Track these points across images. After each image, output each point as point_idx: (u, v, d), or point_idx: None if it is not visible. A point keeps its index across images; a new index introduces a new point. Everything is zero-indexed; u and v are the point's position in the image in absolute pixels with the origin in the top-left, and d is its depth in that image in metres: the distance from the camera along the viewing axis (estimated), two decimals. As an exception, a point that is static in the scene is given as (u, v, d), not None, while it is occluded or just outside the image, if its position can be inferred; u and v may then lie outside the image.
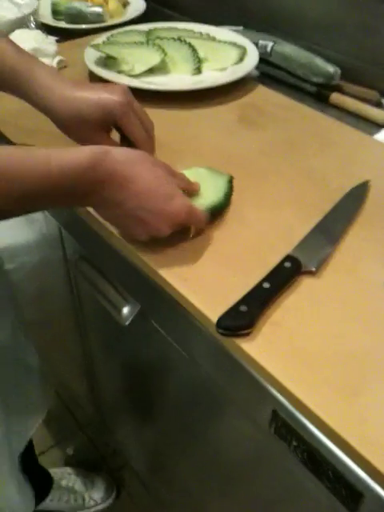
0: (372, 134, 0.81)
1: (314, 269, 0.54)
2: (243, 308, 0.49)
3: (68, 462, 1.36)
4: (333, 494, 0.46)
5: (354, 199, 0.64)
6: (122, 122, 0.63)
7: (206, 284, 0.54)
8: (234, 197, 0.64)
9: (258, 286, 0.51)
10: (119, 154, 0.51)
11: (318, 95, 0.90)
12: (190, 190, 0.59)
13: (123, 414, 1.10)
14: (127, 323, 0.65)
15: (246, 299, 0.50)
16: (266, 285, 0.51)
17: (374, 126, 0.84)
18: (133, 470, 1.29)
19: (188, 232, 0.58)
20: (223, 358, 0.52)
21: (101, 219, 0.58)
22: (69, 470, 1.30)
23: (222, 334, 0.48)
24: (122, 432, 1.19)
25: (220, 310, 0.50)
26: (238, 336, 0.48)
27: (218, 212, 0.61)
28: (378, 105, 0.87)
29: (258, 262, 0.55)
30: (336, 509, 0.47)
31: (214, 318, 0.49)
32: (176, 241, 0.58)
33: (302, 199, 0.65)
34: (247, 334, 0.48)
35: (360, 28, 0.89)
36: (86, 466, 1.32)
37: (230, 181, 0.63)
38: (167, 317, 0.61)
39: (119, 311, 0.66)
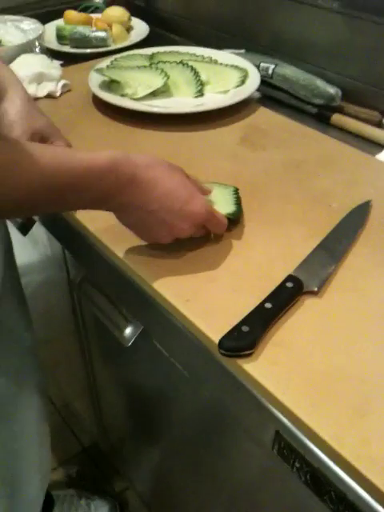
0: (374, 153, 0.81)
1: (316, 289, 0.54)
2: (245, 328, 0.49)
3: (71, 484, 1.35)
4: (337, 517, 0.45)
5: (356, 218, 0.65)
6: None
7: (209, 304, 0.54)
8: (241, 218, 0.65)
9: (260, 307, 0.51)
10: (138, 158, 0.53)
11: (320, 116, 0.91)
12: (204, 193, 0.60)
13: (127, 435, 1.09)
14: (130, 344, 0.65)
15: (248, 320, 0.50)
16: (268, 305, 0.51)
17: (376, 146, 0.84)
18: (136, 492, 1.28)
19: (202, 240, 0.60)
20: (226, 378, 0.51)
21: (105, 240, 0.58)
22: (72, 491, 1.28)
23: (224, 354, 0.48)
24: (125, 453, 1.18)
25: (222, 330, 0.50)
26: (240, 357, 0.48)
27: (234, 219, 0.63)
28: (379, 125, 0.88)
29: (261, 282, 0.56)
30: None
31: (216, 339, 0.49)
32: (178, 260, 0.58)
33: (305, 219, 0.66)
34: (249, 355, 0.48)
35: (362, 50, 0.90)
36: (89, 488, 1.31)
37: (237, 191, 0.66)
38: (169, 337, 0.61)
39: (122, 332, 0.66)
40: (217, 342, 0.49)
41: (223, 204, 0.63)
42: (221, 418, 0.63)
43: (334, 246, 0.60)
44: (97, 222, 0.64)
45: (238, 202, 0.64)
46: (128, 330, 0.66)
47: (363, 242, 0.62)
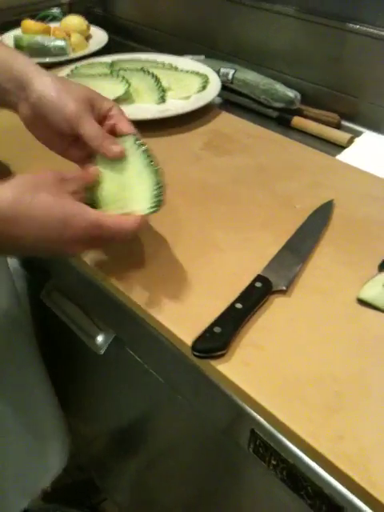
0: (334, 154, 0.83)
1: (284, 287, 0.55)
2: (217, 329, 0.49)
3: (47, 499, 1.32)
4: (314, 511, 0.46)
5: (320, 218, 0.66)
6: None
7: (180, 309, 0.54)
8: (208, 223, 0.65)
9: (231, 307, 0.52)
10: None
11: (280, 120, 0.93)
12: (90, 183, 0.55)
13: (103, 445, 1.08)
14: (102, 352, 0.65)
15: (220, 321, 0.50)
16: (239, 305, 0.52)
17: (336, 147, 0.86)
18: (114, 503, 1.27)
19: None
20: (200, 380, 0.52)
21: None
22: (48, 506, 1.26)
23: (197, 356, 0.49)
24: (102, 464, 1.17)
25: (195, 333, 0.50)
26: (214, 358, 0.49)
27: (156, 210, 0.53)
28: (338, 127, 0.91)
29: (232, 284, 0.56)
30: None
31: (189, 342, 0.50)
32: (147, 266, 0.58)
33: (271, 222, 0.67)
34: (222, 356, 0.49)
35: (320, 55, 0.93)
36: (66, 502, 1.29)
37: (151, 163, 0.55)
38: (142, 343, 0.61)
39: (94, 340, 0.65)
40: (190, 344, 0.49)
41: (138, 190, 0.54)
42: (198, 423, 0.63)
43: (300, 246, 0.61)
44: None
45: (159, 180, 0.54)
46: (100, 338, 0.65)
47: (327, 240, 0.64)
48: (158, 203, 0.53)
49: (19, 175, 0.49)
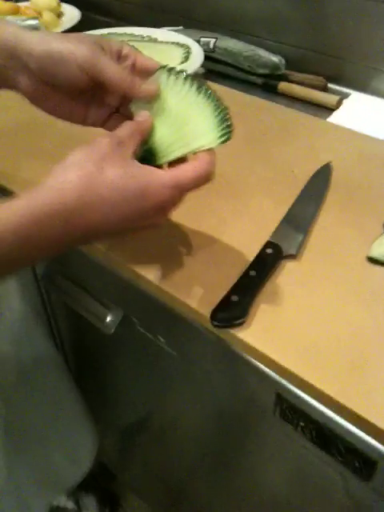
0: (324, 117, 0.83)
1: (294, 252, 0.55)
2: (234, 298, 0.49)
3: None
4: (346, 468, 0.47)
5: (320, 181, 0.66)
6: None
7: (191, 280, 0.53)
8: (208, 195, 0.64)
9: (245, 275, 0.51)
10: (56, 205, 0.39)
11: (266, 86, 0.92)
12: (147, 134, 0.47)
13: (114, 427, 1.08)
14: (112, 331, 0.64)
15: (236, 289, 0.50)
16: (252, 273, 0.51)
17: (325, 109, 0.86)
18: (126, 484, 1.28)
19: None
20: (220, 351, 0.52)
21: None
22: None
23: (217, 326, 0.48)
24: (115, 444, 1.17)
25: (211, 303, 0.49)
26: (233, 326, 0.48)
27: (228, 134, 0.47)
28: (325, 89, 0.90)
29: (240, 252, 0.56)
30: (349, 481, 0.47)
31: (206, 313, 0.49)
32: (149, 239, 0.57)
33: (271, 189, 0.66)
34: (241, 324, 0.48)
35: (302, 18, 0.92)
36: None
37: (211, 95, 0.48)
38: (154, 320, 0.60)
39: (102, 320, 0.65)
40: (207, 315, 0.49)
41: (197, 122, 0.47)
42: (218, 396, 0.63)
43: (304, 210, 0.61)
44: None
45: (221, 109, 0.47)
46: (109, 318, 0.64)
47: (330, 203, 0.64)
48: (229, 128, 0.46)
49: (74, 152, 0.42)
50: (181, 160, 0.47)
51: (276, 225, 0.59)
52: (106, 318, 0.64)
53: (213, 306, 0.49)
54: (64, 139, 0.63)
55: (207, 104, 0.47)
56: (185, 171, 0.44)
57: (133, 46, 0.52)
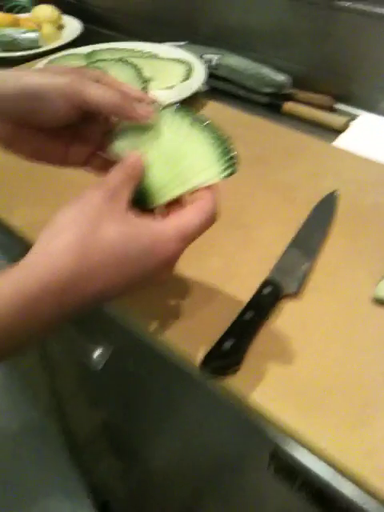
0: (330, 140, 0.79)
1: (294, 291, 0.51)
2: (228, 344, 0.45)
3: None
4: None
5: (325, 211, 0.62)
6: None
7: (186, 321, 0.50)
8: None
9: (241, 318, 0.47)
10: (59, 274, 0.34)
11: (271, 106, 0.88)
12: (141, 176, 0.41)
13: (103, 457, 1.04)
14: (100, 367, 0.60)
15: (230, 333, 0.46)
16: (249, 315, 0.47)
17: (331, 132, 0.82)
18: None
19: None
20: (211, 399, 0.48)
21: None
22: None
23: (208, 374, 0.44)
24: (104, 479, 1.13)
25: (203, 348, 0.46)
26: (227, 374, 0.44)
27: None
28: (331, 110, 0.86)
29: (238, 289, 0.52)
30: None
31: (198, 358, 0.45)
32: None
33: (273, 217, 0.62)
34: (235, 371, 0.44)
35: (308, 35, 0.88)
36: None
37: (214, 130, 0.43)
38: (145, 358, 0.56)
39: (90, 356, 0.61)
40: (199, 361, 0.45)
41: (197, 155, 0.42)
42: (209, 448, 0.59)
43: (307, 243, 0.57)
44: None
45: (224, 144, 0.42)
46: (97, 353, 0.60)
47: (335, 234, 0.60)
48: (232, 160, 0.41)
49: (63, 210, 0.36)
50: (178, 199, 0.42)
51: (277, 257, 0.55)
52: (93, 354, 0.60)
53: (205, 351, 0.45)
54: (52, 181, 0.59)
55: (205, 136, 0.42)
56: (189, 219, 0.39)
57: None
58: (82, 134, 0.45)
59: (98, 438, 0.93)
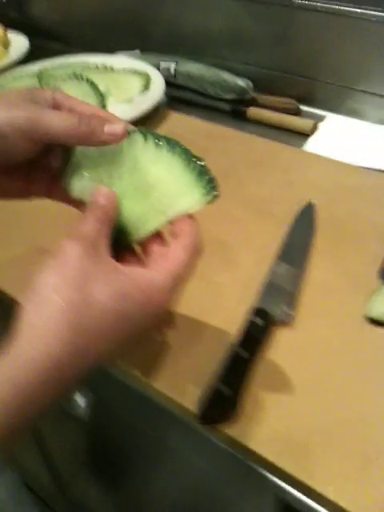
0: (299, 145, 0.77)
1: (286, 319, 0.48)
2: (222, 388, 0.42)
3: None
4: None
5: (304, 225, 0.59)
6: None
7: (173, 362, 0.46)
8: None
9: (232, 355, 0.44)
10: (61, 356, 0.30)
11: (235, 112, 0.85)
12: (116, 213, 0.38)
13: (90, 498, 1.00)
14: (87, 418, 0.56)
15: (223, 377, 0.43)
16: (240, 351, 0.44)
17: (299, 136, 0.79)
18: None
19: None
20: (206, 446, 0.44)
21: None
22: None
23: (204, 424, 0.41)
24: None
25: (195, 390, 0.42)
26: (222, 421, 0.41)
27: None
28: (297, 113, 0.84)
29: (225, 319, 0.49)
30: None
31: (190, 404, 0.42)
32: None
33: (251, 236, 0.59)
34: (231, 417, 0.41)
35: (266, 37, 0.85)
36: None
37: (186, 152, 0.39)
38: (133, 405, 0.53)
39: (73, 405, 0.57)
40: (191, 407, 0.42)
41: (171, 181, 0.38)
42: (209, 496, 0.55)
43: (291, 262, 0.54)
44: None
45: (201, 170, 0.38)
46: (82, 402, 0.56)
47: (317, 250, 0.57)
48: (212, 183, 0.38)
49: (42, 275, 0.32)
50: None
51: (260, 281, 0.52)
52: (78, 403, 0.56)
53: (196, 395, 0.42)
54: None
55: (175, 158, 0.38)
56: (177, 259, 0.36)
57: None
58: (42, 164, 0.41)
59: (89, 487, 0.88)
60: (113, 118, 0.39)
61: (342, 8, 0.76)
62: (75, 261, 0.32)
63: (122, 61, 0.92)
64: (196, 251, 0.37)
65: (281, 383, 0.44)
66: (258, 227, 0.61)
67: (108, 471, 0.76)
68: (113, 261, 0.35)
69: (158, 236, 0.39)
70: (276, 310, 0.48)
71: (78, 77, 0.85)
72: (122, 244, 0.39)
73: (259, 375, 0.44)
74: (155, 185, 0.38)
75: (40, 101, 0.38)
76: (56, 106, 0.39)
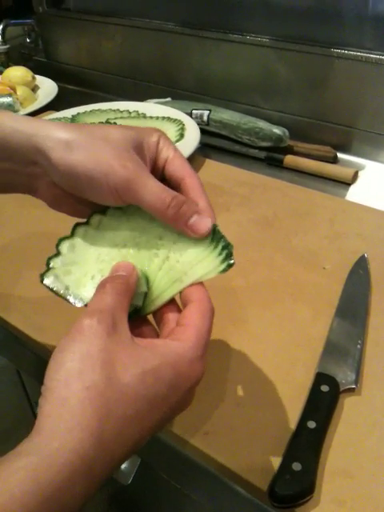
0: (342, 194, 0.75)
1: (354, 385, 0.45)
2: (296, 466, 0.38)
3: None
4: None
5: (360, 281, 0.57)
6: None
7: (233, 432, 0.43)
8: (226, 306, 0.54)
9: (303, 429, 0.41)
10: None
11: (270, 160, 0.84)
12: (134, 290, 0.36)
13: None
14: (129, 481, 0.53)
15: (296, 451, 0.39)
16: (311, 424, 0.41)
17: (340, 184, 0.78)
18: None
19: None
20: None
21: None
22: None
23: (278, 507, 0.37)
24: None
25: (260, 466, 0.39)
26: (299, 505, 0.37)
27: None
28: (334, 161, 0.82)
29: (287, 385, 0.46)
30: None
31: (257, 483, 0.38)
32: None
33: (303, 290, 0.57)
34: (309, 500, 0.38)
35: (300, 84, 0.85)
36: None
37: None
38: (182, 472, 0.49)
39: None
40: (261, 486, 0.38)
41: (185, 247, 0.37)
42: None
43: (351, 322, 0.51)
44: (46, 333, 0.52)
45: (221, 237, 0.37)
46: (124, 465, 0.53)
47: (375, 306, 0.54)
48: (229, 249, 0.36)
49: (62, 359, 0.29)
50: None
51: (318, 339, 0.49)
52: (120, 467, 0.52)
53: (263, 472, 0.39)
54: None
55: None
56: (196, 326, 0.33)
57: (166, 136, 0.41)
58: None
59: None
60: (205, 209, 0.38)
61: (382, 57, 0.76)
62: (98, 341, 0.30)
63: (154, 108, 0.92)
64: (212, 316, 0.35)
65: (355, 455, 0.40)
66: (309, 281, 0.58)
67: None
68: (133, 337, 0.32)
69: (172, 303, 0.37)
70: (341, 375, 0.45)
71: (111, 123, 0.84)
72: (136, 315, 0.36)
73: (330, 447, 0.41)
74: (170, 251, 0.37)
75: (144, 148, 0.38)
76: (157, 157, 0.39)
